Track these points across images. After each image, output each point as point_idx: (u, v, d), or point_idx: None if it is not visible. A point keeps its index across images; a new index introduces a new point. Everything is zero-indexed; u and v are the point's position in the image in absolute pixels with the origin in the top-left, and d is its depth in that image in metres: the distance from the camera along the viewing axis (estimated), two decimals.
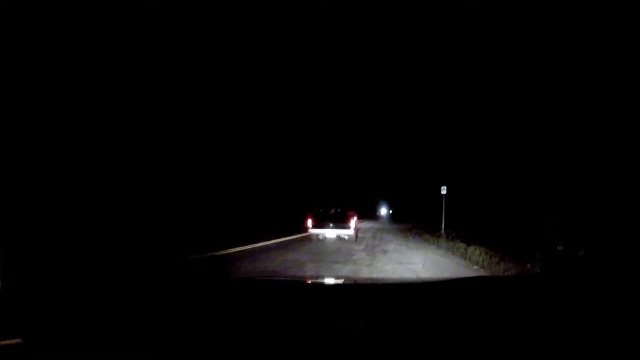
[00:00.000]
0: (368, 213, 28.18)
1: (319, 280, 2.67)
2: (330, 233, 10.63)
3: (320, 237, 10.81)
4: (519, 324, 1.13)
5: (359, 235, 12.71)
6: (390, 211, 42.30)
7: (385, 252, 8.85)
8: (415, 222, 22.89)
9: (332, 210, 11.35)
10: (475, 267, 6.83)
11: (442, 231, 13.08)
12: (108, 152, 12.68)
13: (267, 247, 9.11)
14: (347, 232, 10.65)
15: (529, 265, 6.03)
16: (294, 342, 0.99)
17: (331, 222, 10.71)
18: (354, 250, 9.02)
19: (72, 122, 11.90)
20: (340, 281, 2.51)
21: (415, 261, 7.29)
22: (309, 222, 10.79)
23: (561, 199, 8.34)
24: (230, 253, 7.75)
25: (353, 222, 10.80)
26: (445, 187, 13.71)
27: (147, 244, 7.99)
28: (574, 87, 9.58)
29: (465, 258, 7.88)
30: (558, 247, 6.00)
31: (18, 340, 0.91)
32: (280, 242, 10.67)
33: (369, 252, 8.75)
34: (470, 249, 8.43)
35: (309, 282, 2.35)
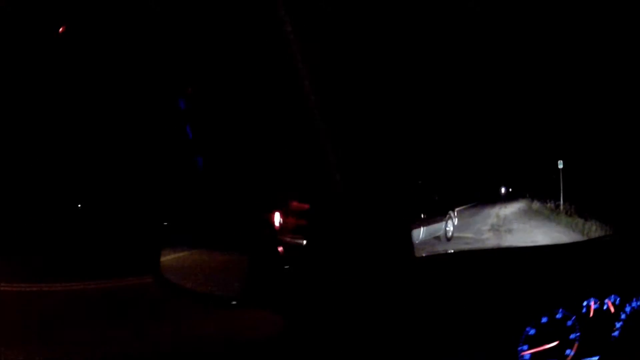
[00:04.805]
0: (490, 194, 27.96)
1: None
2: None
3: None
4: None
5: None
6: (510, 189, 40.76)
7: (510, 231, 9.89)
8: (534, 199, 22.31)
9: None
10: None
11: (561, 207, 13.59)
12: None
13: None
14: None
15: None
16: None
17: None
18: (481, 230, 9.71)
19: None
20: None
21: (539, 240, 7.99)
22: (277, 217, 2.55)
23: None
24: None
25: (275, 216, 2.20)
26: (561, 162, 13.79)
27: None
28: None
29: (583, 234, 8.72)
30: None
31: None
32: None
33: (495, 231, 9.79)
34: (588, 224, 9.51)
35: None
